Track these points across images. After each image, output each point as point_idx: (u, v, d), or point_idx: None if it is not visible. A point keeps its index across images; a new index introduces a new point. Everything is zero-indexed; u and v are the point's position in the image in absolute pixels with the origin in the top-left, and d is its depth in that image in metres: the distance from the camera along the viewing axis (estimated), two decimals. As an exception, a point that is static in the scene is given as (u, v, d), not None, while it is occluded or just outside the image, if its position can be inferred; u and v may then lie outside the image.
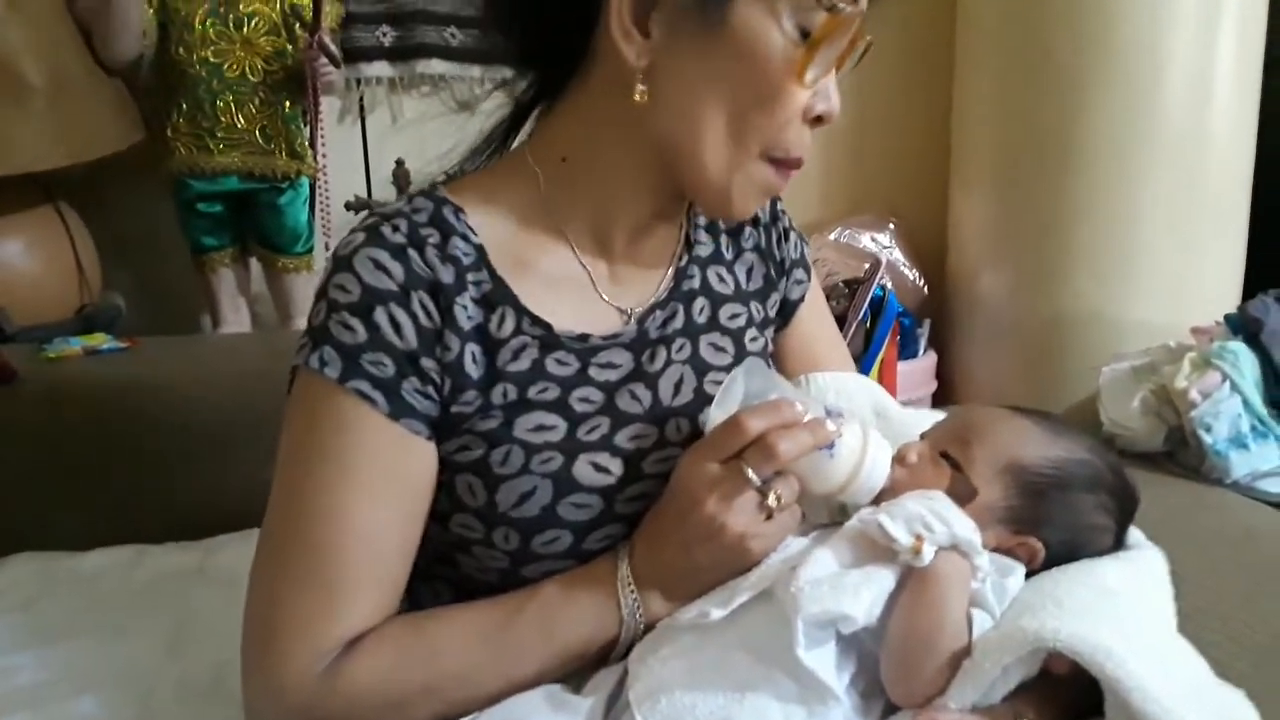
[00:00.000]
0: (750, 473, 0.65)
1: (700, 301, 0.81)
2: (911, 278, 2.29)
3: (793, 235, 0.89)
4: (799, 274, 0.88)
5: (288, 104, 1.96)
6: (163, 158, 1.94)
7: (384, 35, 2.21)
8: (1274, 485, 1.53)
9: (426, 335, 0.68)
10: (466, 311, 0.70)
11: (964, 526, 0.65)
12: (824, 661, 0.61)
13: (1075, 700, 0.61)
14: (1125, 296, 2.00)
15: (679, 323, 0.79)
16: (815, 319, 0.90)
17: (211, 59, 1.90)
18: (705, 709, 0.62)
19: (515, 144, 0.79)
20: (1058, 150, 2.01)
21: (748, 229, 0.86)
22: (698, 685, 0.63)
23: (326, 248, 1.97)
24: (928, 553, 0.63)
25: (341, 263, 0.69)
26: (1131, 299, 2.00)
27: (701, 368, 0.79)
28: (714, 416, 0.69)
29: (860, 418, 0.75)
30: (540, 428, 0.71)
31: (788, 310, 0.88)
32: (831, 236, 2.24)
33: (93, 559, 1.26)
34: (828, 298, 2.12)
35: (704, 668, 0.64)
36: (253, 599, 0.69)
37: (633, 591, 0.69)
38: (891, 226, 2.31)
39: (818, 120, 0.71)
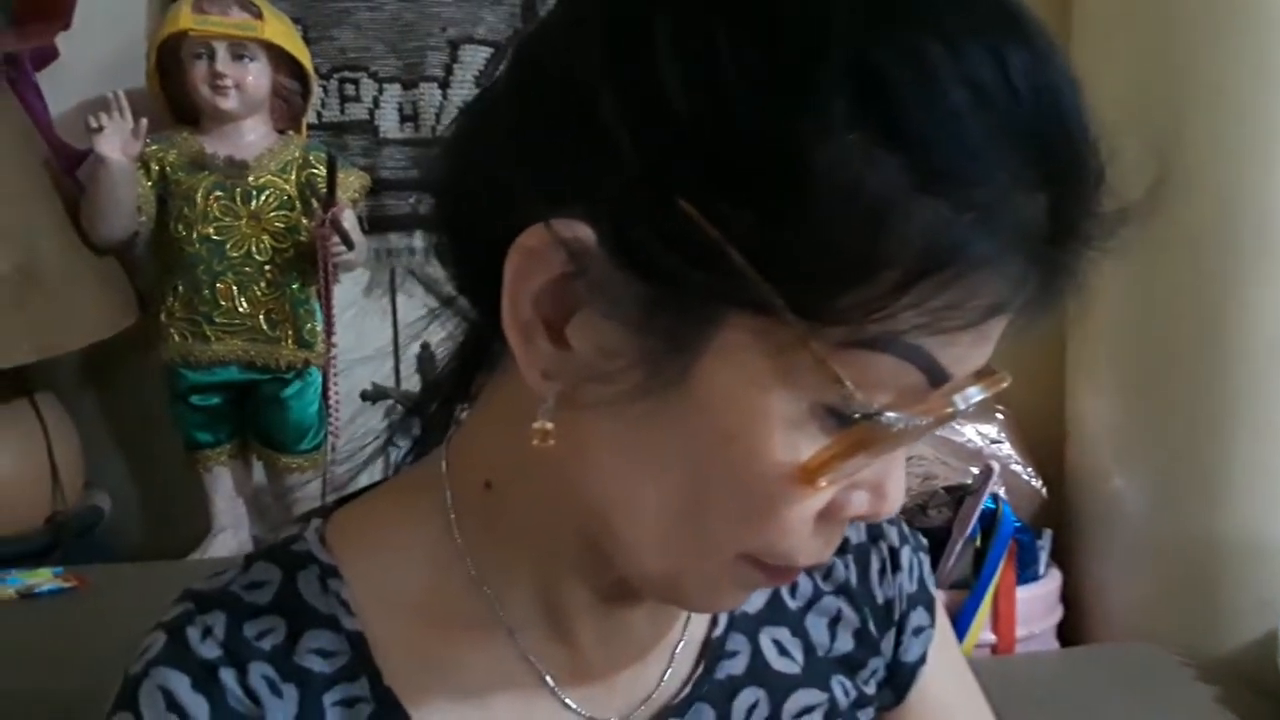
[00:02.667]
0: None
1: (749, 696, 0.53)
2: (1026, 478, 1.95)
3: (905, 555, 0.59)
4: (918, 618, 0.59)
5: (297, 286, 1.74)
6: (155, 344, 1.73)
7: (418, 203, 2.00)
8: None
9: None
10: None
11: None
12: None
13: None
14: (1301, 518, 1.64)
15: None
16: (945, 685, 0.61)
17: (214, 236, 1.69)
18: None
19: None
20: (1205, 337, 1.67)
21: (831, 559, 0.56)
22: None
23: (333, 448, 1.71)
24: None
25: (124, 693, 0.46)
26: (1310, 522, 1.63)
27: None
28: None
29: None
30: None
31: (902, 680, 0.59)
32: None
33: None
34: (924, 508, 1.81)
35: None
36: None
37: None
38: (999, 417, 1.98)
39: (853, 519, 0.44)
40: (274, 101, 1.78)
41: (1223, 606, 1.67)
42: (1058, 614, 1.87)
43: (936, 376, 0.38)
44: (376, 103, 1.98)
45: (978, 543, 1.74)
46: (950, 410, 0.39)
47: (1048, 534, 1.91)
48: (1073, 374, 1.99)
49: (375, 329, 1.96)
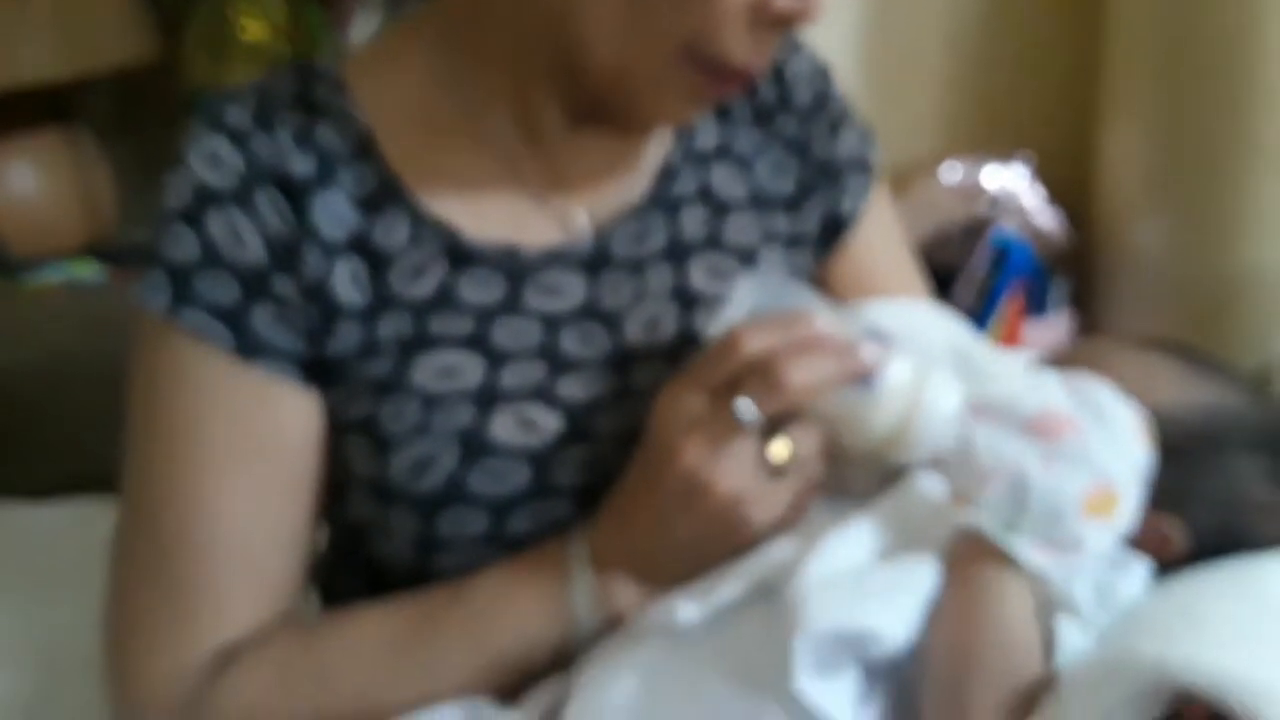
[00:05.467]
0: (747, 409, 0.50)
1: (695, 212, 0.65)
2: (1048, 224, 1.94)
3: (847, 131, 0.68)
4: (855, 180, 0.68)
5: (316, 12, 1.77)
6: (180, 77, 1.78)
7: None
8: None
9: (278, 245, 0.58)
10: (335, 215, 0.58)
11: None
12: (836, 698, 0.49)
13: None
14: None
15: (660, 240, 0.64)
16: (879, 240, 0.70)
17: (232, -38, 1.72)
18: None
19: None
20: (1238, 66, 1.62)
21: (780, 116, 0.66)
22: (654, 714, 0.50)
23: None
24: None
25: (179, 161, 0.60)
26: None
27: (691, 299, 0.64)
28: (712, 331, 0.56)
29: (923, 354, 0.60)
30: (446, 371, 0.59)
31: (836, 226, 0.70)
32: (944, 176, 1.90)
33: (48, 512, 1.17)
34: (939, 248, 1.82)
35: (666, 691, 0.51)
36: (106, 596, 0.61)
37: (587, 576, 0.55)
38: (1021, 161, 1.95)
39: (782, 21, 0.51)
40: None
41: (1240, 342, 1.66)
42: (1069, 353, 1.89)
43: None
44: None
45: (984, 276, 1.76)
46: None
47: (1065, 279, 1.92)
48: (1103, 116, 1.94)
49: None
